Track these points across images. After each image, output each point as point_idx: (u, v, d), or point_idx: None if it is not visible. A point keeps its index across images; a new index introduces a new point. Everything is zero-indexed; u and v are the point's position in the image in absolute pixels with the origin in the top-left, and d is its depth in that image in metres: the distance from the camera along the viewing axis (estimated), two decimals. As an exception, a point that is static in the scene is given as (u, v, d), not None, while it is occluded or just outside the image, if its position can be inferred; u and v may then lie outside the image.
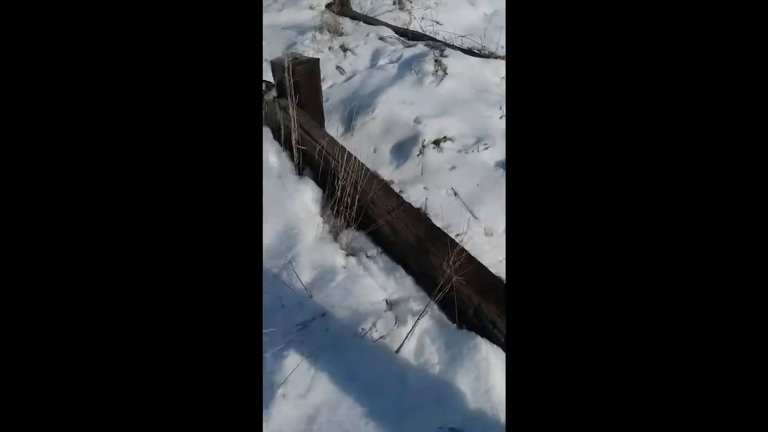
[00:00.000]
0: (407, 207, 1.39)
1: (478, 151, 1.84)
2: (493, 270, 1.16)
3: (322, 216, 1.52)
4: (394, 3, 3.80)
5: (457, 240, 1.28)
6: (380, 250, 1.37)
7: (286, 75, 1.66)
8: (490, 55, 2.59)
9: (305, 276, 1.30)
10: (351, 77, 2.53)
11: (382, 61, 2.66)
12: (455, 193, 1.66)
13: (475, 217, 1.55)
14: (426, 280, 1.24)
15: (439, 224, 1.34)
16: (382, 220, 1.34)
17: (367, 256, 1.36)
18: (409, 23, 3.31)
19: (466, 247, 1.19)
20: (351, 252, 1.40)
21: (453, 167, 1.79)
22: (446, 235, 1.27)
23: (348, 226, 1.44)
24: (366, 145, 1.90)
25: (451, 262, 1.11)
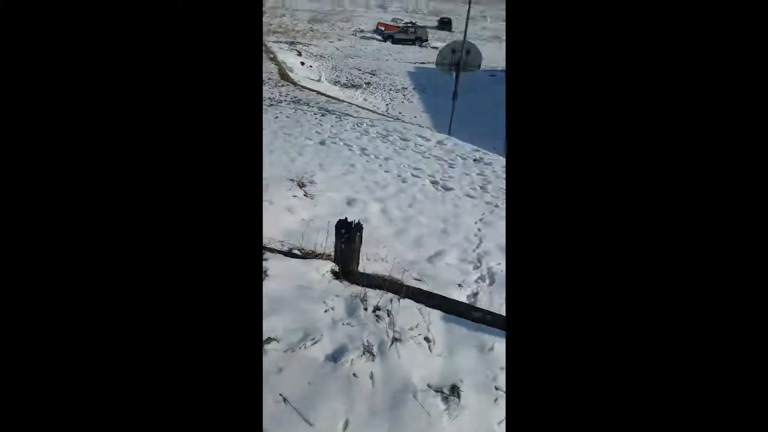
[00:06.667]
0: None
1: (305, 347, 1.81)
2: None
3: None
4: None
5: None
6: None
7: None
8: (308, 255, 2.83)
9: None
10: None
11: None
12: (284, 399, 1.52)
13: (310, 424, 1.42)
14: None
15: (268, 444, 1.16)
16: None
17: None
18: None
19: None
20: None
21: (280, 369, 1.69)
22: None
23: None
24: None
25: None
